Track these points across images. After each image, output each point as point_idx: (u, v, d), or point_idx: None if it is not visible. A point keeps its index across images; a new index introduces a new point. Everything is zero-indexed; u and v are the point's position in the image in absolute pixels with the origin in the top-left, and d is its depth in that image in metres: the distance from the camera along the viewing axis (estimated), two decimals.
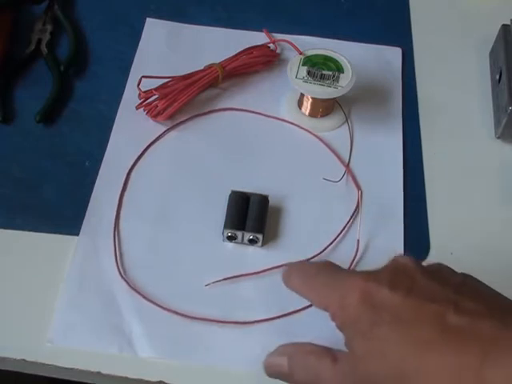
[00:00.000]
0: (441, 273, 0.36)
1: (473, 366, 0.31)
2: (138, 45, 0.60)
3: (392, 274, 0.36)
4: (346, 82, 0.53)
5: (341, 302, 0.36)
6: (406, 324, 0.33)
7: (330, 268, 0.40)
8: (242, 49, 0.58)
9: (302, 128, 0.55)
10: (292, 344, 0.39)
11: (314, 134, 0.55)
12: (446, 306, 0.33)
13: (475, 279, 0.36)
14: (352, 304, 0.35)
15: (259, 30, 0.62)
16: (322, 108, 0.55)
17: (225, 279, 0.45)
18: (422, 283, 0.35)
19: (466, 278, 0.36)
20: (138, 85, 0.54)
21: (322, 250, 0.48)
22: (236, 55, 0.57)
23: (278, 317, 0.44)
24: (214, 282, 0.45)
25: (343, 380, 0.35)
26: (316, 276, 0.39)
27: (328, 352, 0.37)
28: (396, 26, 0.65)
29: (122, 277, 0.46)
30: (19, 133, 0.54)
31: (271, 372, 0.39)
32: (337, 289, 0.37)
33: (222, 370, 0.42)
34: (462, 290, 0.34)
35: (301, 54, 0.56)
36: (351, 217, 0.50)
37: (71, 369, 0.42)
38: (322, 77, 0.53)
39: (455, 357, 0.31)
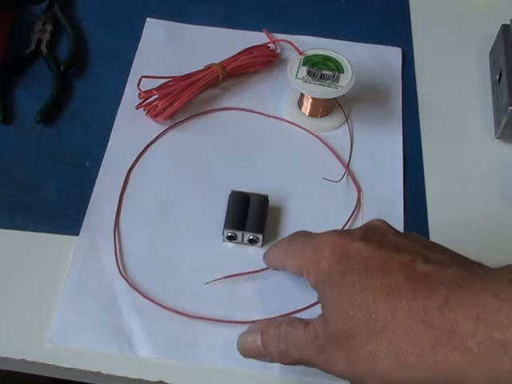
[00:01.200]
0: (413, 236, 0.38)
1: (437, 306, 0.31)
2: (138, 45, 0.61)
3: (365, 230, 0.37)
4: (345, 81, 0.53)
5: (313, 258, 0.37)
6: (375, 271, 0.34)
7: (303, 233, 0.41)
8: (242, 49, 0.58)
9: (302, 128, 0.55)
10: (262, 320, 0.40)
11: (314, 134, 0.55)
12: (415, 257, 0.34)
13: (445, 247, 0.36)
14: (324, 257, 0.36)
15: (259, 30, 0.62)
16: (322, 108, 0.55)
17: (225, 277, 0.45)
18: (394, 239, 0.36)
19: (437, 243, 0.37)
20: (138, 85, 0.54)
21: None
22: (236, 55, 0.57)
23: (278, 317, 0.44)
24: (214, 281, 0.45)
25: (315, 340, 0.35)
26: (290, 244, 0.41)
27: (298, 319, 0.38)
28: (396, 26, 0.65)
29: (122, 276, 0.46)
30: (19, 133, 0.54)
31: (246, 350, 0.39)
32: (309, 247, 0.38)
33: (221, 369, 0.42)
34: (430, 247, 0.36)
35: (301, 54, 0.56)
36: (351, 217, 0.50)
37: (71, 369, 0.42)
38: (322, 77, 0.53)
39: (421, 299, 0.32)
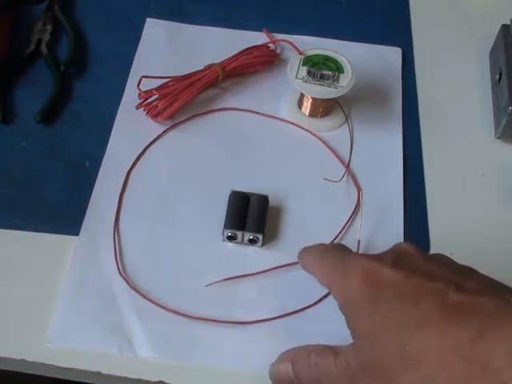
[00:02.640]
0: (441, 259, 0.37)
1: (471, 338, 0.31)
2: (138, 45, 0.60)
3: (394, 256, 0.37)
4: (345, 81, 0.53)
5: (342, 280, 0.36)
6: (407, 301, 0.33)
7: (339, 249, 0.41)
8: (242, 49, 0.58)
9: (302, 128, 0.55)
10: (292, 348, 0.40)
11: (314, 134, 0.55)
12: (447, 285, 0.33)
13: (474, 269, 0.36)
14: (353, 282, 0.36)
15: (259, 30, 0.62)
16: (322, 108, 0.55)
17: (225, 279, 0.45)
18: (424, 265, 0.36)
19: (465, 266, 0.36)
20: (138, 85, 0.54)
21: None
22: (236, 55, 0.57)
23: (278, 317, 0.44)
24: (214, 283, 0.45)
25: (347, 370, 0.35)
26: (324, 255, 0.40)
27: (329, 348, 0.37)
28: (396, 26, 0.65)
29: (121, 277, 0.46)
30: (19, 133, 0.54)
31: (278, 379, 0.39)
32: (340, 267, 0.37)
33: (221, 370, 0.42)
34: (462, 273, 0.35)
35: (301, 54, 0.56)
36: (351, 217, 0.50)
37: (71, 369, 0.42)
38: (322, 77, 0.53)
39: (454, 331, 0.31)
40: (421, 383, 0.32)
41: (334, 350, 0.37)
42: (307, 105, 0.55)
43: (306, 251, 0.43)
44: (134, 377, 0.42)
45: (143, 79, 0.54)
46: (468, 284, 0.33)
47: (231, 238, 0.47)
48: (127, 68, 0.59)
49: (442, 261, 0.37)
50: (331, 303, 0.40)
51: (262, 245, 0.48)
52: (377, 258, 0.37)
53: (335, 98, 0.54)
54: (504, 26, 0.59)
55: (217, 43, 0.61)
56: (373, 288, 0.35)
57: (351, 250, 0.40)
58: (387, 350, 0.33)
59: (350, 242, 0.48)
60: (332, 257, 0.39)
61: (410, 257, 0.37)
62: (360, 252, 0.47)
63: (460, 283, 0.33)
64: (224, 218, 0.48)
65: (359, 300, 0.35)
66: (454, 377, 0.31)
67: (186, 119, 0.55)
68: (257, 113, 0.56)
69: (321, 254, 0.41)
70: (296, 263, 0.45)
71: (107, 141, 0.53)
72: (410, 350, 0.32)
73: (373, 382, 0.34)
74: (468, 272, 0.36)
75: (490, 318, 0.31)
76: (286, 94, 0.57)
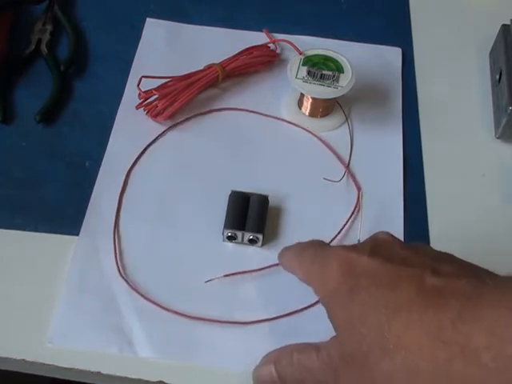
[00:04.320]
0: (419, 247, 0.37)
1: (450, 320, 0.31)
2: (138, 45, 0.61)
3: (371, 245, 0.37)
4: (345, 81, 0.53)
5: (321, 273, 0.37)
6: (384, 287, 0.34)
7: (316, 244, 0.41)
8: (242, 49, 0.58)
9: (302, 128, 0.55)
10: (274, 350, 0.39)
11: (314, 134, 0.55)
12: (424, 269, 0.34)
13: (452, 254, 0.36)
14: (332, 274, 0.36)
15: (259, 30, 0.62)
16: (322, 108, 0.55)
17: (225, 275, 0.45)
18: (401, 252, 0.36)
19: (444, 252, 0.36)
20: (138, 85, 0.54)
21: None
22: (236, 55, 0.57)
23: (278, 317, 0.44)
24: (214, 279, 0.45)
25: (330, 364, 0.35)
26: (303, 252, 0.41)
27: (310, 345, 0.37)
28: (396, 25, 0.65)
29: (121, 277, 0.46)
30: (19, 133, 0.54)
31: (262, 382, 0.39)
32: (318, 261, 0.38)
33: (221, 369, 0.42)
34: (439, 258, 0.35)
35: (301, 54, 0.56)
36: (351, 217, 0.50)
37: (71, 369, 0.42)
38: (322, 77, 0.53)
39: (433, 314, 0.31)
40: (401, 368, 0.32)
41: (315, 347, 0.36)
42: (307, 105, 0.55)
43: (284, 251, 0.43)
44: (134, 377, 0.42)
45: (143, 79, 0.54)
46: (445, 268, 0.34)
47: (231, 238, 0.47)
48: (127, 68, 0.59)
49: (420, 248, 0.37)
50: None
51: (262, 245, 0.48)
52: (354, 248, 0.37)
53: (335, 98, 0.54)
54: (504, 25, 0.59)
55: (217, 43, 0.61)
56: (350, 278, 0.35)
57: (328, 244, 0.40)
58: (366, 338, 0.33)
59: (350, 242, 0.48)
60: (310, 253, 0.40)
61: (387, 245, 0.37)
62: None
63: (437, 267, 0.34)
64: (224, 217, 0.48)
65: (338, 291, 0.35)
66: (434, 359, 0.31)
67: (185, 119, 0.55)
68: (257, 113, 0.56)
69: (299, 251, 0.41)
70: None
71: (107, 141, 0.53)
72: (389, 335, 0.32)
73: (354, 373, 0.34)
74: (445, 257, 0.36)
75: (468, 300, 0.31)
76: (286, 93, 0.57)
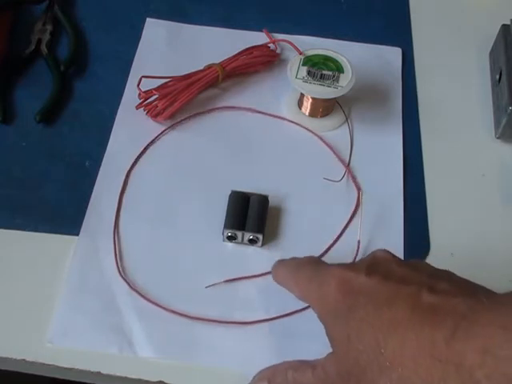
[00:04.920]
0: (417, 264, 0.37)
1: (445, 338, 0.31)
2: (138, 45, 0.61)
3: (369, 264, 0.37)
4: (345, 81, 0.53)
5: (319, 292, 0.37)
6: (381, 305, 0.34)
7: (313, 262, 0.41)
8: (242, 49, 0.58)
9: (302, 128, 0.55)
10: (268, 367, 0.40)
11: (315, 133, 0.55)
12: (420, 288, 0.34)
13: (450, 271, 0.36)
14: (329, 292, 0.36)
15: (259, 30, 0.62)
16: (322, 108, 0.55)
17: (225, 281, 0.45)
18: (398, 270, 0.36)
19: (441, 269, 0.36)
20: (138, 85, 0.54)
21: (322, 251, 0.48)
22: (236, 55, 0.57)
23: (278, 317, 0.44)
24: (214, 285, 0.45)
25: (326, 380, 0.35)
26: (298, 270, 0.41)
27: (306, 362, 0.37)
28: (396, 26, 0.65)
29: (121, 277, 0.46)
30: (19, 133, 0.54)
31: None
32: (316, 280, 0.38)
33: (221, 370, 0.42)
34: (435, 275, 0.35)
35: (301, 54, 0.56)
36: (351, 217, 0.50)
37: (71, 369, 0.42)
38: (322, 77, 0.53)
39: (428, 332, 0.32)
40: None
41: (310, 364, 0.37)
42: (307, 105, 0.55)
43: (279, 266, 0.43)
44: (134, 377, 0.42)
45: (143, 79, 0.54)
46: (441, 285, 0.34)
47: (231, 238, 0.47)
48: (127, 68, 0.59)
49: (418, 265, 0.37)
50: None
51: (262, 245, 0.48)
52: (351, 266, 0.37)
53: (335, 98, 0.54)
54: (504, 26, 0.59)
55: (217, 43, 0.61)
56: (348, 296, 0.35)
57: (325, 262, 0.40)
58: (363, 354, 0.33)
59: (349, 241, 0.48)
60: (306, 271, 0.40)
61: (384, 263, 0.37)
62: (360, 252, 0.47)
63: (433, 285, 0.34)
64: (224, 217, 0.48)
65: (336, 309, 0.36)
66: (429, 377, 0.31)
67: (185, 118, 0.55)
68: (257, 111, 0.56)
69: (295, 269, 0.41)
70: None
71: (107, 141, 0.53)
72: (386, 352, 0.32)
73: None
74: (442, 274, 0.36)
75: (463, 319, 0.31)
76: (286, 94, 0.57)
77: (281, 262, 0.43)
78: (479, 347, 0.30)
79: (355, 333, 0.34)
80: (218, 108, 0.56)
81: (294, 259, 0.43)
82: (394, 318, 0.33)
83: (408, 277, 0.35)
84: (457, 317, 0.32)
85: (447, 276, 0.36)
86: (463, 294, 0.33)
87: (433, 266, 0.37)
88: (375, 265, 0.37)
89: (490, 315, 0.31)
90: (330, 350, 0.37)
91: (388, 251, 0.38)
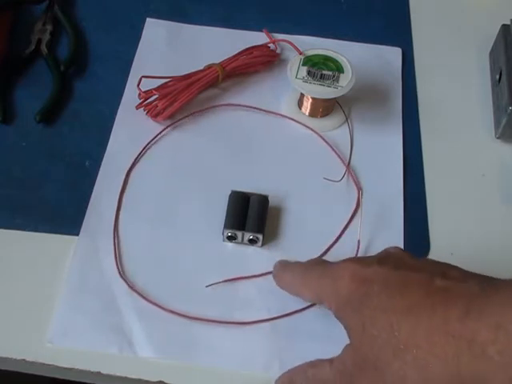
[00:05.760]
0: (427, 259, 0.38)
1: (458, 316, 0.32)
2: (138, 45, 0.61)
3: (380, 256, 0.38)
4: (345, 82, 0.53)
5: (333, 286, 0.37)
6: (394, 292, 0.34)
7: (320, 262, 0.41)
8: (242, 49, 0.58)
9: (302, 128, 0.55)
10: (287, 370, 0.40)
11: (316, 133, 0.55)
12: (432, 275, 0.35)
13: (460, 268, 0.37)
14: (343, 284, 0.36)
15: (259, 30, 0.62)
16: (322, 108, 0.55)
17: (225, 281, 0.45)
18: (410, 261, 0.37)
19: (451, 264, 0.37)
20: (138, 85, 0.54)
21: (322, 251, 0.48)
22: (236, 55, 0.57)
23: (278, 317, 0.44)
24: (213, 284, 0.45)
25: (344, 372, 0.36)
26: (306, 271, 0.41)
27: (323, 359, 0.38)
28: (396, 26, 0.65)
29: (121, 277, 0.45)
30: (19, 133, 0.54)
31: None
32: (328, 275, 0.38)
33: (221, 370, 0.42)
34: (447, 267, 0.36)
35: (301, 54, 0.56)
36: (351, 217, 0.50)
37: (71, 369, 0.42)
38: (322, 77, 0.53)
39: (442, 311, 0.32)
40: (412, 366, 0.32)
41: (328, 360, 0.37)
42: (307, 105, 0.55)
43: (283, 271, 0.43)
44: (134, 377, 0.42)
45: (143, 79, 0.54)
46: (453, 272, 0.35)
47: (231, 238, 0.47)
48: (127, 68, 0.59)
49: (429, 260, 0.38)
50: None
51: (262, 245, 0.48)
52: (363, 259, 0.38)
53: (335, 98, 0.54)
54: (504, 26, 0.59)
55: (217, 43, 0.61)
56: (362, 285, 0.36)
57: (330, 262, 0.40)
58: (378, 340, 0.34)
59: (349, 241, 0.48)
60: (316, 270, 0.40)
61: (396, 256, 0.38)
62: (360, 252, 0.47)
63: (445, 272, 0.35)
64: (224, 218, 0.48)
65: (350, 300, 0.36)
66: (443, 354, 0.31)
67: (185, 117, 0.55)
68: (257, 110, 0.56)
69: (302, 271, 0.41)
70: None
71: (107, 141, 0.53)
72: (400, 335, 0.33)
73: (368, 376, 0.34)
74: (454, 267, 0.36)
75: (477, 297, 0.32)
76: (286, 94, 0.57)
77: (284, 267, 0.43)
78: (492, 324, 0.30)
79: (369, 320, 0.34)
80: (217, 106, 0.56)
81: (298, 263, 0.43)
82: (407, 302, 0.33)
83: (420, 266, 0.36)
84: (470, 296, 0.32)
85: (459, 268, 0.36)
86: (475, 279, 0.34)
87: (444, 262, 0.37)
88: (386, 257, 0.38)
89: (503, 294, 0.32)
90: (330, 350, 0.37)
91: (400, 247, 0.39)
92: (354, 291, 0.36)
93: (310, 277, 0.40)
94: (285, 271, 0.43)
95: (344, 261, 0.39)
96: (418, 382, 0.32)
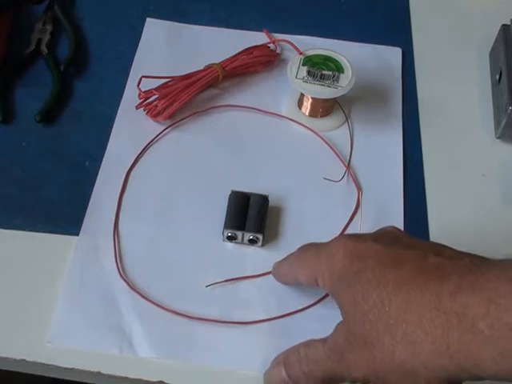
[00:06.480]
0: (423, 240, 0.38)
1: (449, 292, 0.32)
2: (138, 45, 0.60)
3: (376, 234, 0.38)
4: (345, 82, 0.53)
5: (328, 263, 0.37)
6: (388, 267, 0.35)
7: (313, 244, 0.41)
8: (242, 49, 0.58)
9: (302, 128, 0.55)
10: (283, 351, 0.40)
11: (315, 133, 0.55)
12: (427, 252, 0.35)
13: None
14: (338, 259, 0.37)
15: (259, 30, 0.62)
16: (322, 108, 0.55)
17: (226, 281, 0.45)
18: (405, 239, 0.37)
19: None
20: (138, 85, 0.54)
21: None
22: (236, 55, 0.57)
23: (278, 317, 0.44)
24: (213, 284, 0.45)
25: (335, 349, 0.36)
26: (301, 253, 0.41)
27: (317, 339, 0.38)
28: (396, 26, 0.65)
29: (121, 277, 0.45)
30: (19, 133, 0.54)
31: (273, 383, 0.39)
32: (323, 251, 0.38)
33: (221, 369, 0.42)
34: (441, 246, 0.36)
35: (301, 54, 0.56)
36: (351, 217, 0.50)
37: (71, 369, 0.42)
38: (322, 77, 0.53)
39: (433, 287, 0.32)
40: (402, 341, 0.32)
41: (321, 339, 0.37)
42: (307, 105, 0.55)
43: (280, 264, 0.44)
44: (134, 377, 0.42)
45: (143, 79, 0.54)
46: (447, 251, 0.35)
47: (231, 238, 0.47)
48: (127, 68, 0.59)
49: (425, 241, 0.39)
50: (331, 303, 0.40)
51: (262, 245, 0.48)
52: (358, 235, 0.38)
53: (335, 98, 0.54)
54: (504, 26, 0.59)
55: (217, 43, 0.61)
56: (356, 260, 0.36)
57: (325, 242, 0.41)
58: (369, 314, 0.34)
59: None
60: (311, 250, 0.40)
61: (392, 234, 0.38)
62: None
63: (439, 250, 0.35)
64: (224, 218, 0.48)
65: (344, 274, 0.36)
66: (433, 329, 0.31)
67: (186, 117, 0.55)
68: (257, 110, 0.56)
69: (297, 256, 0.42)
70: None
71: (107, 141, 0.53)
72: (390, 309, 0.33)
73: (359, 352, 0.34)
74: (449, 247, 0.37)
75: (469, 273, 0.32)
76: (286, 94, 0.57)
77: (281, 261, 0.44)
78: (484, 299, 0.30)
79: (361, 295, 0.34)
80: (217, 106, 0.56)
81: (291, 254, 0.43)
82: (400, 277, 0.34)
83: (415, 243, 0.36)
84: (462, 272, 0.32)
85: (452, 248, 0.36)
86: (468, 256, 0.34)
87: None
88: (382, 234, 0.38)
89: (496, 270, 0.32)
90: None
91: (397, 227, 0.39)
92: (347, 266, 0.36)
93: (305, 258, 0.41)
94: (281, 264, 0.44)
95: (338, 237, 0.39)
96: (408, 356, 0.32)
